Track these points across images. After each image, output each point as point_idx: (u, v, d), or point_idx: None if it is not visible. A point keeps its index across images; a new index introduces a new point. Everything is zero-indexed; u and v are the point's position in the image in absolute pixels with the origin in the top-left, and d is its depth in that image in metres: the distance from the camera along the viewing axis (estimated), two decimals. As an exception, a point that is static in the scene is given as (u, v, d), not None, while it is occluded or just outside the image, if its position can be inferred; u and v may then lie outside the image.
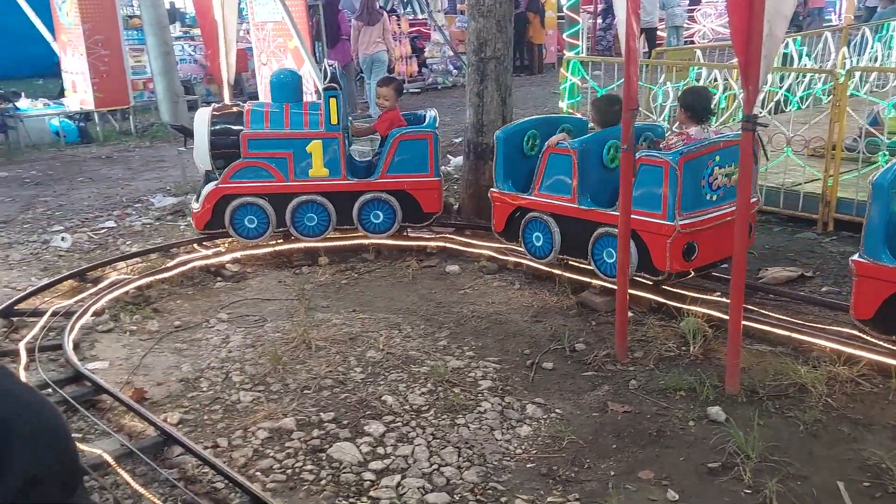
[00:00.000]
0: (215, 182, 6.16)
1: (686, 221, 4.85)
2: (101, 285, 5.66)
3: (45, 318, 5.04)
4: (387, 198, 6.30)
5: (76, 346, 4.74)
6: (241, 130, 6.14)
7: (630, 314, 4.71)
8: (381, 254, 6.44)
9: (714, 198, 5.03)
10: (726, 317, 4.28)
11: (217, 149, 6.19)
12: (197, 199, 6.35)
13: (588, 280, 5.39)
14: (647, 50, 14.81)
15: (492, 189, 5.94)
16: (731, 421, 3.78)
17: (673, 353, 4.55)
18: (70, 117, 11.89)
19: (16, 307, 5.25)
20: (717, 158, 4.98)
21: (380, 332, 4.95)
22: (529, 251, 5.72)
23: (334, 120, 6.14)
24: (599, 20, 20.14)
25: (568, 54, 8.10)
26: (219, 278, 5.99)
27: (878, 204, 4.11)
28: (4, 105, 11.40)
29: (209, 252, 6.24)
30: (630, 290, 4.63)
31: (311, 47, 8.69)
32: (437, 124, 6.41)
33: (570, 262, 5.56)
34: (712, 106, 5.49)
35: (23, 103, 11.91)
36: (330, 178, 6.23)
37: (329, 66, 6.51)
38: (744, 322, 4.18)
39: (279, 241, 6.39)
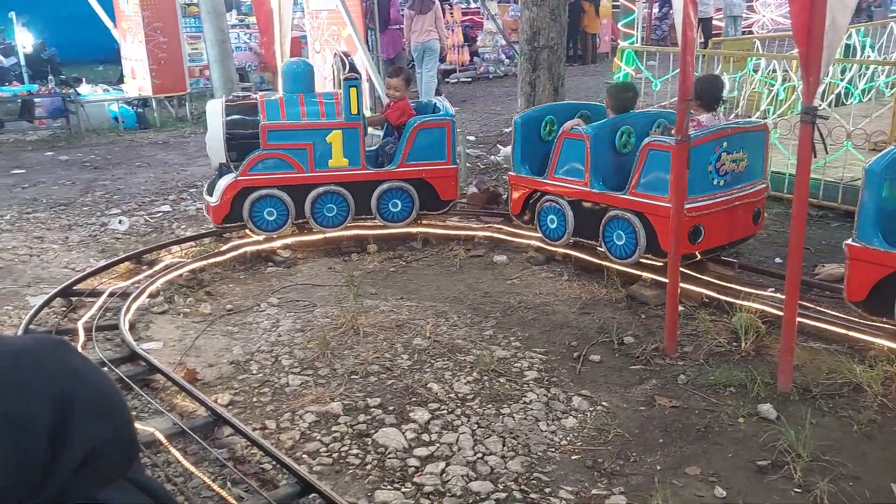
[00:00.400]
0: (233, 174, 6.06)
1: (692, 205, 4.92)
2: (156, 268, 5.78)
3: (103, 298, 5.17)
4: (405, 186, 6.32)
5: (132, 327, 4.85)
6: (257, 121, 6.06)
7: (681, 308, 4.65)
8: (429, 242, 6.46)
9: (721, 183, 5.16)
10: (780, 313, 4.20)
11: (232, 140, 6.10)
12: (210, 192, 6.25)
13: (638, 273, 5.34)
14: (702, 41, 14.56)
15: (509, 172, 6.15)
16: (783, 419, 3.72)
17: (724, 348, 4.48)
18: (129, 103, 12.14)
19: (75, 287, 5.40)
20: (725, 144, 5.09)
21: (426, 319, 4.97)
22: (544, 233, 5.90)
23: (354, 110, 6.10)
24: (655, 9, 19.86)
25: (622, 44, 8.00)
26: (270, 263, 6.07)
27: (871, 189, 4.21)
28: (66, 90, 11.68)
29: (261, 237, 6.32)
30: (682, 284, 4.57)
31: (364, 36, 8.72)
32: (453, 114, 6.44)
33: (585, 244, 5.65)
34: (723, 94, 5.63)
35: (84, 89, 12.20)
36: (350, 168, 6.19)
37: (344, 55, 6.45)
38: (798, 319, 4.10)
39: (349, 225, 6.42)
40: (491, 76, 16.37)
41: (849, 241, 4.39)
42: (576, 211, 5.65)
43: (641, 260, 5.33)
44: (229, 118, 6.09)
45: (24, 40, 13.76)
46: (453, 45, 15.65)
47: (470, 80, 15.91)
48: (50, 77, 12.16)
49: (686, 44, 4.20)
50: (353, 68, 6.19)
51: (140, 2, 10.99)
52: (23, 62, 13.63)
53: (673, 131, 5.14)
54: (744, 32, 17.90)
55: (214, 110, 6.14)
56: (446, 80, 14.79)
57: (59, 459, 0.88)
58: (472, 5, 17.55)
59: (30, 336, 0.95)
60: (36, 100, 12.13)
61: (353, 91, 6.06)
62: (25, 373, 0.87)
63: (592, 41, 18.32)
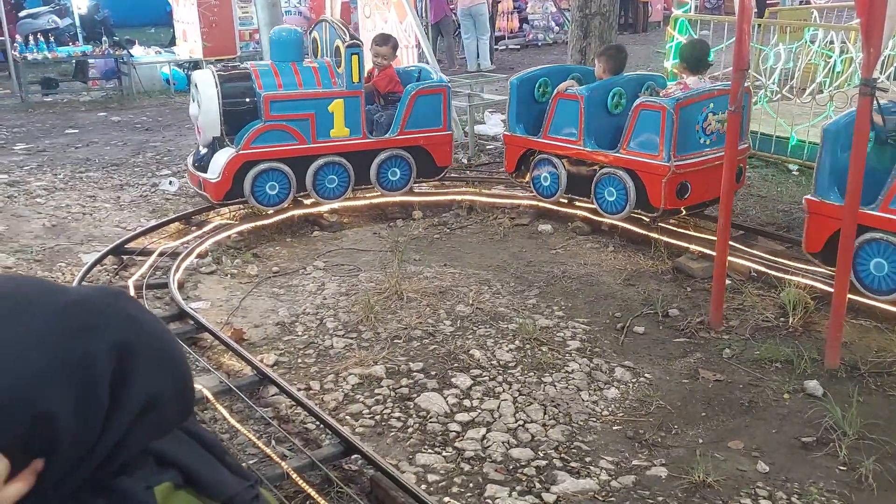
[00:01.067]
0: (233, 148, 5.79)
1: (680, 163, 5.26)
2: (205, 229, 5.87)
3: (153, 257, 5.27)
4: (403, 154, 6.29)
5: (180, 286, 4.95)
6: (252, 91, 5.87)
7: (728, 282, 4.59)
8: (474, 210, 6.46)
9: (707, 142, 5.43)
10: (830, 289, 4.13)
11: (229, 112, 5.82)
12: (200, 168, 5.97)
13: (685, 245, 5.28)
14: (756, 10, 14.18)
15: (504, 132, 6.34)
16: (829, 396, 3.67)
17: (770, 323, 4.43)
18: (180, 65, 12.26)
19: (126, 246, 5.51)
20: (712, 105, 5.37)
21: (470, 287, 4.98)
22: (538, 190, 6.12)
23: (356, 78, 5.95)
24: (710, -23, 19.37)
25: (676, 12, 7.83)
26: (316, 227, 6.13)
27: (828, 148, 4.63)
28: (119, 52, 11.83)
29: (308, 202, 6.37)
30: (729, 258, 4.51)
31: (415, 1, 8.66)
32: (446, 80, 6.53)
33: (576, 201, 5.66)
34: (708, 58, 5.84)
35: (136, 51, 12.34)
36: (351, 138, 6.07)
37: (341, 23, 6.31)
38: (848, 296, 4.02)
39: (357, 195, 6.45)
40: (540, 43, 16.18)
41: (808, 196, 4.72)
42: (568, 169, 5.93)
43: (688, 232, 5.30)
44: (226, 88, 5.81)
45: (79, 2, 13.94)
46: (503, 12, 15.48)
47: (519, 47, 15.74)
48: (104, 39, 12.32)
49: (743, 12, 4.10)
50: (354, 37, 6.06)
51: (193, -36, 11.05)
52: (77, 23, 13.81)
53: (661, 93, 5.71)
54: (801, 2, 17.39)
55: (206, 80, 5.81)
56: (495, 46, 14.64)
57: (118, 407, 0.91)
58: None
59: (91, 286, 0.98)
60: (90, 61, 12.31)
61: (354, 59, 5.90)
62: (88, 320, 0.90)
63: (644, 9, 17.99)
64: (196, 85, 5.82)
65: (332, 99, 5.95)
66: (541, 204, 6.28)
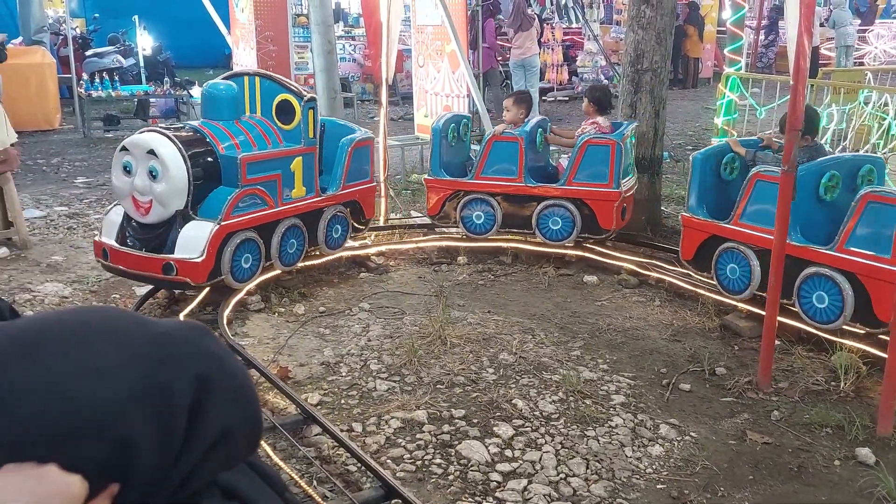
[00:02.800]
0: (210, 221, 5.04)
1: (623, 189, 5.96)
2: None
3: (204, 293, 5.36)
4: (343, 210, 6.07)
5: (229, 322, 5.02)
6: (215, 154, 5.21)
7: (777, 342, 4.53)
8: (519, 258, 6.47)
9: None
10: (884, 354, 4.04)
11: (196, 181, 5.07)
12: (123, 241, 5.15)
13: (733, 303, 5.22)
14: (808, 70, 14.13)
15: (425, 177, 6.53)
16: (882, 465, 3.58)
17: (821, 386, 4.34)
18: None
19: (177, 281, 5.58)
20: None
21: (513, 335, 4.98)
22: (468, 229, 6.41)
23: (312, 133, 5.63)
24: (762, 36, 19.39)
25: (728, 70, 7.85)
26: (363, 269, 6.19)
27: (695, 173, 5.50)
28: (180, 92, 12.19)
29: (356, 244, 6.45)
30: (779, 318, 4.45)
31: (466, 52, 8.83)
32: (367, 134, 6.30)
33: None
34: (611, 101, 6.68)
35: (196, 91, 12.69)
36: (306, 197, 5.70)
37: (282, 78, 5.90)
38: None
39: (422, 236, 6.51)
40: (589, 96, 16.28)
41: (683, 213, 5.57)
42: (503, 205, 6.30)
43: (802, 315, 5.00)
44: (191, 154, 5.06)
45: (144, 43, 14.44)
46: (552, 64, 15.65)
47: (567, 98, 15.86)
48: (165, 79, 12.72)
49: (798, 73, 4.11)
50: (297, 91, 5.62)
51: (254, 11, 11.39)
52: (141, 64, 14.29)
53: (577, 132, 6.33)
54: (855, 63, 17.32)
55: (166, 145, 4.94)
56: (543, 97, 14.78)
57: (193, 437, 0.94)
58: (574, 25, 17.51)
59: (176, 320, 1.02)
60: (151, 100, 12.70)
61: (311, 114, 5.57)
62: (172, 352, 0.94)
63: (694, 65, 18.03)
64: (153, 151, 4.88)
65: (294, 157, 5.55)
66: (587, 255, 6.28)
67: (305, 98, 5.55)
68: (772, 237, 4.45)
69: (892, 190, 4.61)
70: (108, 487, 0.90)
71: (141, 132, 5.11)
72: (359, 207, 6.29)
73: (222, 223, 5.05)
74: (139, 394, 0.90)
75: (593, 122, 6.32)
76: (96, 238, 5.37)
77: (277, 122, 5.58)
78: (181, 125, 5.50)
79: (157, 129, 5.18)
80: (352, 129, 6.34)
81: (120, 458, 0.89)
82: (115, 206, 5.34)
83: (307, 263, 6.06)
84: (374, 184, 6.53)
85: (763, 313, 4.51)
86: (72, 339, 0.91)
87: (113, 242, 5.18)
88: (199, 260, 4.95)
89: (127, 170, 4.97)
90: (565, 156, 6.68)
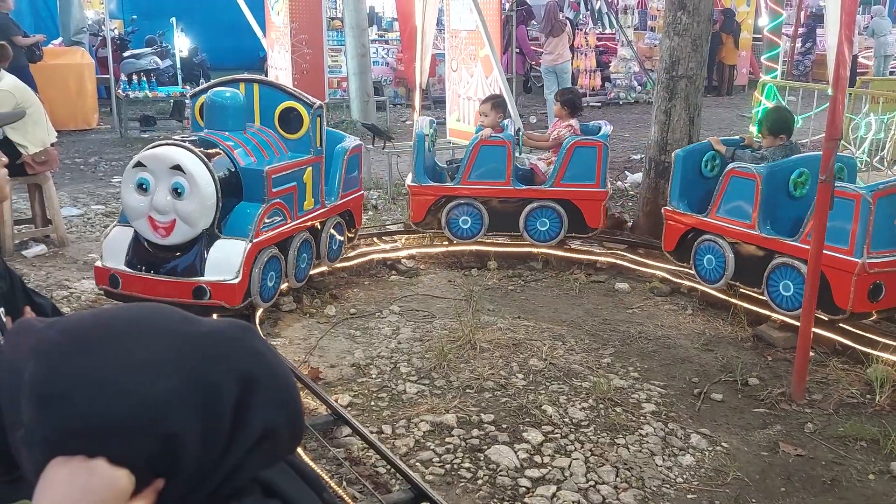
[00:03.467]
0: (244, 239, 4.74)
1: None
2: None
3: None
4: (340, 221, 5.97)
5: (261, 322, 5.07)
6: (235, 167, 4.92)
7: (811, 354, 4.47)
8: (549, 264, 6.46)
9: None
10: (921, 368, 3.98)
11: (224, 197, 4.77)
12: (138, 266, 4.73)
13: (767, 313, 5.17)
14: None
15: (409, 184, 6.43)
16: (917, 480, 3.52)
17: (856, 399, 4.28)
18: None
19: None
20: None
21: (543, 341, 4.97)
22: (454, 233, 6.37)
23: (319, 142, 5.47)
24: (798, 44, 19.16)
25: (764, 78, 7.78)
26: (394, 272, 6.21)
27: (677, 170, 5.74)
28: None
29: (387, 246, 6.47)
30: (814, 329, 4.40)
31: (500, 57, 8.83)
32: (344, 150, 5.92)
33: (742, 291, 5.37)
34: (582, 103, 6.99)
35: (230, 93, 12.83)
36: (315, 209, 5.53)
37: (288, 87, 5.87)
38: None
39: (449, 242, 6.52)
40: (621, 102, 16.20)
41: (666, 207, 5.80)
42: (490, 209, 6.32)
43: (770, 303, 5.16)
44: (217, 166, 4.76)
45: (181, 45, 14.61)
46: (585, 70, 15.60)
47: (600, 104, 15.79)
48: (201, 80, 12.86)
49: (838, 82, 4.06)
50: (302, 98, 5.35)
51: (290, 14, 11.50)
52: (178, 65, 14.47)
53: (553, 133, 6.46)
54: (891, 73, 17.06)
55: (192, 160, 4.55)
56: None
57: (238, 434, 0.95)
58: (608, 31, 17.44)
59: (222, 319, 1.04)
60: (186, 101, 12.83)
61: (318, 122, 5.39)
62: (218, 350, 0.95)
63: (730, 73, 17.86)
64: (179, 166, 4.48)
65: (306, 168, 5.37)
66: (618, 262, 6.25)
67: (315, 106, 5.32)
68: (744, 230, 5.20)
69: (851, 186, 4.78)
70: (154, 482, 0.92)
71: (156, 146, 4.64)
72: (351, 217, 6.16)
73: (254, 241, 4.76)
74: (187, 390, 0.91)
75: (568, 125, 6.46)
76: (98, 264, 4.89)
77: (281, 131, 5.32)
78: (193, 136, 4.91)
79: (175, 141, 4.69)
80: (341, 136, 6.17)
81: (166, 454, 0.91)
82: (115, 227, 4.88)
83: (340, 265, 6.10)
84: (363, 192, 6.45)
85: (797, 324, 4.46)
86: (123, 335, 0.92)
87: (124, 267, 4.75)
88: (235, 281, 4.64)
89: (143, 187, 4.53)
90: (537, 157, 6.65)
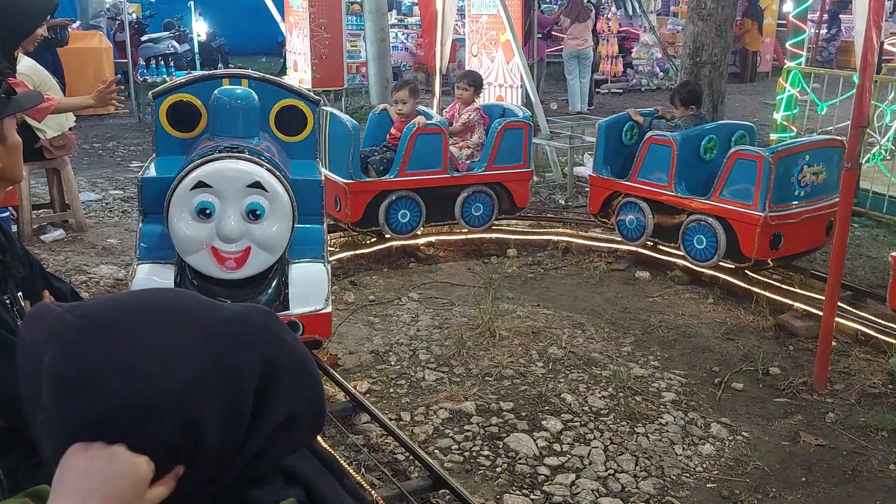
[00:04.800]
0: (320, 261, 4.17)
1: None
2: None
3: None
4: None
5: (280, 308, 5.06)
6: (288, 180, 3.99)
7: (833, 343, 4.42)
8: (569, 252, 6.42)
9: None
10: (946, 359, 3.93)
11: None
12: (278, 304, 3.97)
13: (789, 302, 5.12)
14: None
15: (344, 180, 5.98)
16: (941, 472, 3.48)
17: (878, 389, 4.23)
18: (289, 94, 12.67)
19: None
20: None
21: (563, 329, 4.94)
22: (394, 230, 6.13)
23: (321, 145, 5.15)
24: (823, 30, 18.91)
25: (789, 64, 7.67)
26: (413, 259, 6.20)
27: (600, 139, 6.26)
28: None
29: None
30: (837, 318, 4.35)
31: (522, 42, 8.77)
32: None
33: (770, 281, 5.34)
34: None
35: (248, 78, 12.84)
36: None
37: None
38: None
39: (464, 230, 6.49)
40: (643, 88, 16.06)
41: (590, 174, 6.39)
42: (427, 199, 6.15)
43: (792, 289, 5.16)
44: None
45: (199, 29, 14.63)
46: (607, 56, 15.47)
47: (621, 91, 15.66)
48: (219, 65, 12.88)
49: (865, 68, 3.99)
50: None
51: (309, -2, 11.47)
52: (196, 49, 14.50)
53: (461, 117, 6.38)
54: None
55: (273, 179, 3.73)
56: (597, 90, 14.62)
57: (260, 420, 0.94)
58: (630, 16, 17.27)
59: (243, 304, 1.02)
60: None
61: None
62: (240, 336, 0.94)
63: (753, 59, 17.65)
64: (258, 184, 3.66)
65: None
66: (639, 250, 6.20)
67: (320, 102, 4.60)
68: (662, 191, 5.79)
69: (754, 148, 5.47)
70: (174, 469, 0.91)
71: (214, 161, 3.68)
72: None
73: (329, 262, 4.28)
74: (208, 376, 0.90)
75: (476, 108, 6.46)
76: None
77: (278, 133, 4.50)
78: (233, 145, 3.88)
79: (240, 155, 3.76)
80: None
81: (187, 441, 0.90)
82: (140, 267, 3.94)
83: (359, 252, 6.09)
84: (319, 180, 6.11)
85: (820, 313, 4.41)
86: (145, 321, 0.91)
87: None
88: (327, 310, 4.05)
89: (206, 213, 3.64)
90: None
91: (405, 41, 15.24)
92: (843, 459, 3.64)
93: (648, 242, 6.04)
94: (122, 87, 8.69)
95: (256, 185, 3.65)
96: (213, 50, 14.97)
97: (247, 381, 0.93)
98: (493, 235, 6.53)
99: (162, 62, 12.18)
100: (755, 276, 5.50)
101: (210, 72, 4.74)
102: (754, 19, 17.02)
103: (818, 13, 11.46)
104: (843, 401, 4.14)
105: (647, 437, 3.77)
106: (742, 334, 4.94)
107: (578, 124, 8.81)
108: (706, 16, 6.41)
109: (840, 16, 18.65)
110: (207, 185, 3.62)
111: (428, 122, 6.12)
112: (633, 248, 6.22)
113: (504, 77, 8.67)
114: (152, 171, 4.10)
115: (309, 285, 4.03)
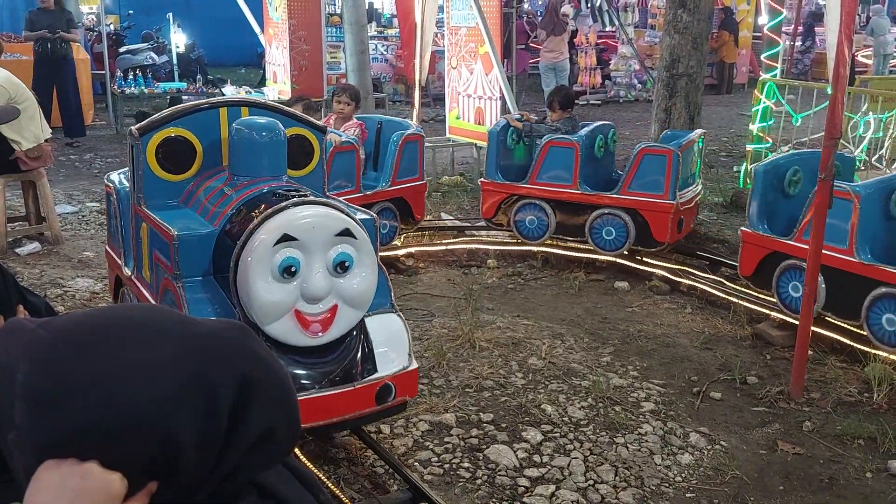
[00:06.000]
0: (390, 310, 3.67)
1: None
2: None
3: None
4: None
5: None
6: None
7: (810, 352, 4.46)
8: (549, 262, 6.44)
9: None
10: (920, 368, 3.98)
11: None
12: (365, 366, 3.40)
13: (766, 311, 5.16)
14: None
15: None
16: (916, 479, 3.51)
17: (854, 398, 4.28)
18: (268, 106, 12.66)
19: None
20: None
21: (543, 340, 4.95)
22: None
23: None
24: (798, 42, 19.15)
25: (765, 76, 7.76)
26: (393, 270, 6.19)
27: (491, 146, 6.60)
28: (212, 90, 12.29)
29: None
30: (813, 328, 4.39)
31: (501, 54, 8.81)
32: None
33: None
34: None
35: (227, 90, 12.80)
36: None
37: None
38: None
39: (452, 238, 6.51)
40: (621, 100, 16.19)
41: (482, 180, 6.66)
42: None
43: (769, 299, 5.19)
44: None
45: (178, 40, 14.58)
46: (585, 67, 15.58)
47: (600, 102, 15.78)
48: (198, 77, 12.83)
49: (838, 80, 4.05)
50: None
51: (288, 10, 11.45)
52: (175, 61, 14.43)
53: (346, 133, 6.19)
54: (890, 71, 17.05)
55: (357, 225, 3.22)
56: (576, 101, 14.70)
57: (235, 436, 0.94)
58: (608, 28, 17.41)
59: (219, 320, 1.02)
60: (183, 97, 12.81)
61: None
62: (216, 350, 0.94)
63: (730, 71, 17.85)
64: (348, 231, 3.13)
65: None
66: (618, 261, 6.24)
67: (326, 130, 4.03)
68: (566, 190, 6.14)
69: (664, 146, 5.95)
70: (148, 485, 0.90)
71: (295, 209, 3.10)
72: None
73: (399, 311, 3.71)
74: (184, 393, 0.90)
75: (359, 124, 6.46)
76: None
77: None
78: (290, 188, 3.43)
79: (320, 199, 3.30)
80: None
81: (162, 457, 0.89)
82: None
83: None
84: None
85: (796, 323, 4.45)
86: (119, 337, 0.91)
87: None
88: (414, 367, 3.51)
89: (292, 271, 3.04)
90: None
91: (385, 53, 15.26)
92: (820, 467, 3.67)
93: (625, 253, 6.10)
94: None
95: (345, 233, 3.11)
96: (191, 61, 14.90)
97: (223, 396, 0.92)
98: (473, 246, 6.54)
99: (140, 74, 12.12)
100: (733, 286, 5.54)
101: (205, 101, 3.83)
102: (730, 32, 17.22)
103: (793, 26, 11.59)
104: (820, 409, 4.18)
105: (627, 448, 3.78)
106: (720, 344, 4.98)
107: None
108: (682, 28, 6.48)
109: (815, 28, 18.91)
110: (292, 239, 3.02)
111: (345, 140, 5.91)
112: (612, 259, 6.26)
113: (483, 89, 8.70)
114: (179, 227, 3.30)
115: (391, 340, 3.50)
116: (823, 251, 4.42)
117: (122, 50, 14.20)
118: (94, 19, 14.30)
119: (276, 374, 0.99)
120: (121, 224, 4.02)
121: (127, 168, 3.90)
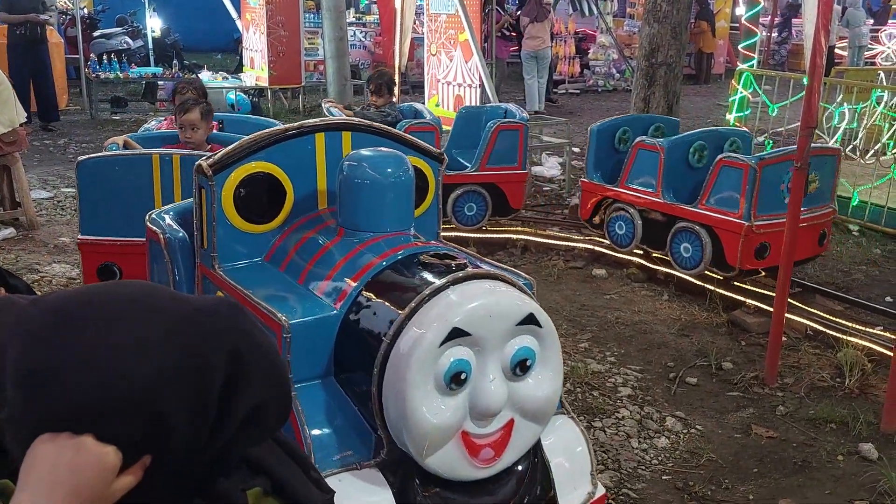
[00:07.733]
0: (565, 413, 2.65)
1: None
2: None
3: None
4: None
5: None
6: None
7: (784, 339, 4.53)
8: (528, 250, 6.47)
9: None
10: (889, 352, 4.06)
11: None
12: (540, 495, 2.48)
13: (742, 299, 5.23)
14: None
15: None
16: (885, 460, 3.60)
17: (826, 383, 4.36)
18: (245, 92, 12.57)
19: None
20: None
21: (522, 326, 4.98)
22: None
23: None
24: (775, 33, 19.31)
25: (741, 66, 7.83)
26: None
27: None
28: (189, 75, 12.18)
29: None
30: (787, 315, 4.46)
31: (480, 41, 8.81)
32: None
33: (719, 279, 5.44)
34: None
35: (204, 75, 12.69)
36: None
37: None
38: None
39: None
40: (600, 90, 16.24)
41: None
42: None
43: (745, 287, 5.28)
44: None
45: (153, 24, 14.41)
46: (565, 56, 15.60)
47: (578, 91, 15.82)
48: (174, 62, 12.70)
49: (814, 71, 4.10)
50: None
51: (265, -5, 11.40)
52: (150, 46, 14.27)
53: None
54: (866, 63, 17.24)
55: (548, 322, 2.25)
56: (555, 90, 14.73)
57: (227, 411, 0.95)
58: (586, 17, 17.44)
59: (209, 297, 1.03)
60: (159, 83, 12.68)
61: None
62: (207, 328, 0.95)
63: (707, 61, 17.96)
64: (532, 317, 2.18)
65: None
66: (596, 248, 6.28)
67: (443, 159, 2.98)
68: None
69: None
70: (142, 459, 0.92)
71: (453, 288, 2.15)
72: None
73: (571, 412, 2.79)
74: (175, 369, 0.91)
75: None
76: None
77: None
78: (437, 251, 2.41)
79: (486, 272, 2.30)
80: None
81: (154, 432, 0.90)
82: (329, 480, 1.59)
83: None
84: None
85: (771, 310, 4.52)
86: (111, 314, 0.92)
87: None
88: (602, 493, 2.65)
89: (462, 379, 2.09)
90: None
91: (363, 39, 15.19)
92: (793, 451, 3.74)
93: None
94: None
95: (529, 320, 2.17)
96: (167, 46, 14.72)
97: (214, 372, 0.94)
98: (453, 234, 6.55)
99: (115, 58, 11.99)
100: (709, 273, 5.60)
101: (296, 125, 2.73)
102: (707, 21, 17.31)
103: (770, 17, 11.69)
104: (793, 394, 4.25)
105: (605, 432, 3.83)
106: (696, 330, 5.04)
107: (536, 124, 8.88)
108: (661, 18, 6.52)
109: (793, 20, 19.06)
110: (464, 334, 2.08)
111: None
112: (590, 247, 6.30)
113: (463, 76, 8.71)
114: (288, 310, 2.30)
115: (569, 456, 2.54)
116: (638, 195, 5.73)
117: (96, 34, 14.01)
118: (68, 3, 14.07)
119: (267, 350, 1.01)
120: (173, 283, 2.76)
121: (171, 205, 3.05)
